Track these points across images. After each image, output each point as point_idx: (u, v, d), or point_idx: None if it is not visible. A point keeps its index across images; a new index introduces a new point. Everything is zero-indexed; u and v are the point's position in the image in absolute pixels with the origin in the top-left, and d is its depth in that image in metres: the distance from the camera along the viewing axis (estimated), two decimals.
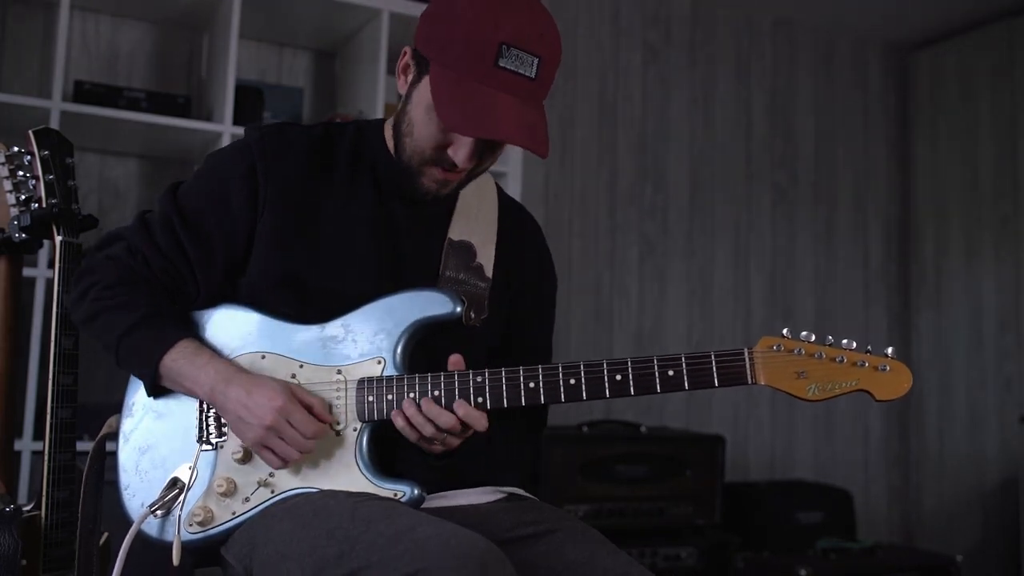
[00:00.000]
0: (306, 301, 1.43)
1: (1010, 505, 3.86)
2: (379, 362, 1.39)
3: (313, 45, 3.38)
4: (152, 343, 1.39)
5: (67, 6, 2.73)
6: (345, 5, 3.01)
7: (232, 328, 1.44)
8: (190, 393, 1.40)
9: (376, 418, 1.37)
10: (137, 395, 1.48)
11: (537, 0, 1.38)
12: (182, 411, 1.44)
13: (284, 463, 1.35)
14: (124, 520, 1.44)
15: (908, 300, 4.47)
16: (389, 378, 1.38)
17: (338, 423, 1.39)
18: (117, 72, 3.11)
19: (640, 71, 3.97)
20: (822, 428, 4.22)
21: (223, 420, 1.41)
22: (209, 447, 1.41)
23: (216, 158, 1.50)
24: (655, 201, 3.95)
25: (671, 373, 1.32)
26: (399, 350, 1.39)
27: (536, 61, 1.33)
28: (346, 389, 1.39)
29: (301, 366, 1.41)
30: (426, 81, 1.36)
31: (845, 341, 1.31)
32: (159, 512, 1.40)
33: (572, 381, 1.34)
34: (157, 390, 1.43)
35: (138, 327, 1.39)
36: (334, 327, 1.41)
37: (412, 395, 1.35)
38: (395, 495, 1.34)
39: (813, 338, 1.30)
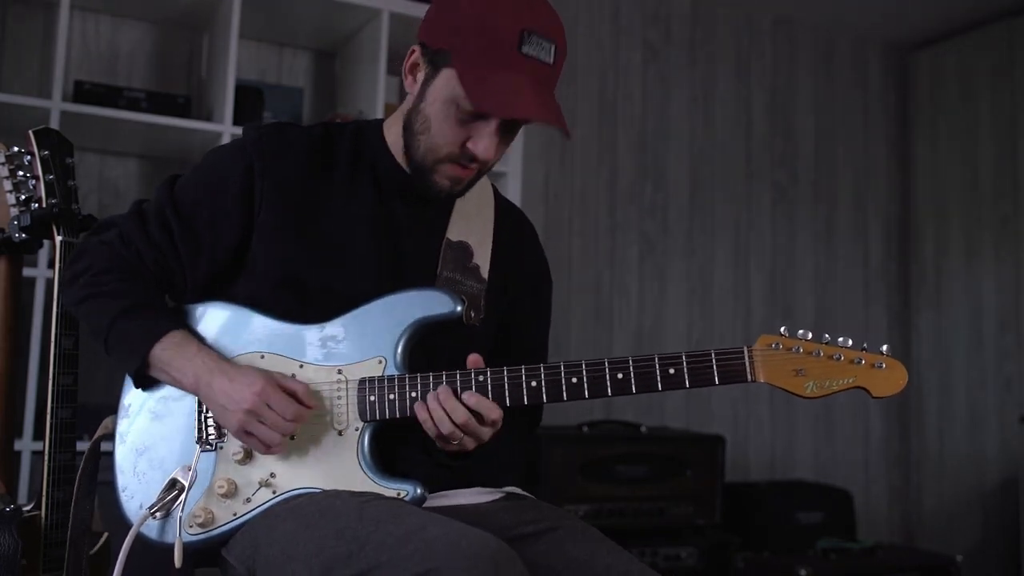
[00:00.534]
0: (306, 301, 1.43)
1: (1010, 505, 3.86)
2: (380, 362, 1.39)
3: (313, 45, 3.38)
4: (142, 332, 1.39)
5: (67, 6, 2.73)
6: (345, 5, 3.01)
7: (231, 328, 1.44)
8: (176, 384, 1.40)
9: (378, 418, 1.37)
10: (132, 396, 1.47)
11: None
12: (180, 411, 1.44)
13: (268, 448, 1.35)
14: (123, 522, 1.43)
15: (908, 300, 4.47)
16: (390, 378, 1.38)
17: (339, 423, 1.39)
18: (117, 72, 3.11)
19: (640, 70, 3.97)
20: (822, 428, 4.22)
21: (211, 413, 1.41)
22: (209, 448, 1.41)
23: (215, 155, 1.51)
24: (655, 200, 3.95)
25: (672, 371, 1.33)
26: (400, 350, 1.39)
27: (553, 47, 1.36)
28: (347, 389, 1.39)
29: (301, 366, 1.41)
30: (444, 75, 1.37)
31: (842, 339, 1.34)
32: (158, 514, 1.40)
33: (574, 380, 1.35)
34: (143, 380, 1.43)
35: (129, 315, 1.39)
36: (334, 327, 1.41)
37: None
38: (398, 494, 1.34)
39: (810, 336, 1.33)
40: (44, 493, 1.62)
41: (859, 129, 4.47)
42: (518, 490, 1.56)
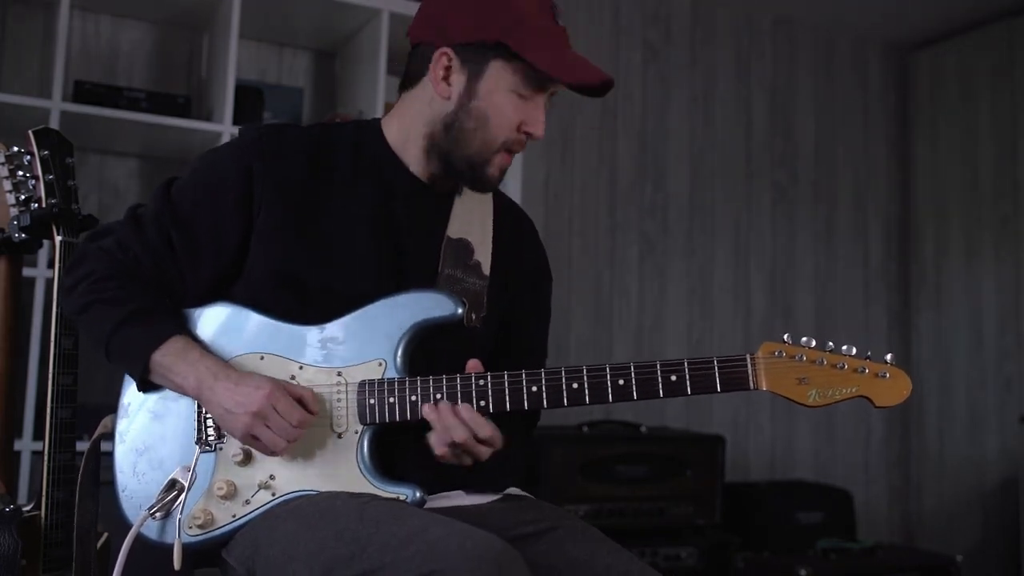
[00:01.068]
0: (306, 302, 1.42)
1: (1010, 505, 3.86)
2: (380, 364, 1.39)
3: (313, 45, 3.37)
4: (144, 338, 1.38)
5: (67, 6, 2.73)
6: (345, 5, 3.01)
7: (231, 328, 1.44)
8: (178, 389, 1.39)
9: (377, 421, 1.37)
10: (132, 395, 1.46)
11: None
12: (179, 412, 1.43)
13: (272, 452, 1.35)
14: (122, 522, 1.43)
15: (908, 300, 4.47)
16: (390, 381, 1.37)
17: (338, 426, 1.39)
18: (117, 72, 3.10)
19: (640, 70, 3.97)
20: (822, 428, 4.22)
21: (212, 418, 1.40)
22: (208, 449, 1.41)
23: (212, 156, 1.50)
24: (655, 200, 3.95)
25: (674, 378, 1.33)
26: (400, 352, 1.39)
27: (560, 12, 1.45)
28: (347, 391, 1.39)
29: (301, 367, 1.40)
30: (494, 67, 1.41)
31: (845, 347, 1.33)
32: (158, 514, 1.40)
33: (575, 385, 1.35)
34: (146, 385, 1.42)
35: (129, 321, 1.38)
36: (334, 328, 1.41)
37: (439, 396, 1.35)
38: (398, 497, 1.34)
39: (814, 344, 1.33)
40: (44, 493, 1.62)
41: (859, 129, 4.47)
42: (518, 490, 1.56)
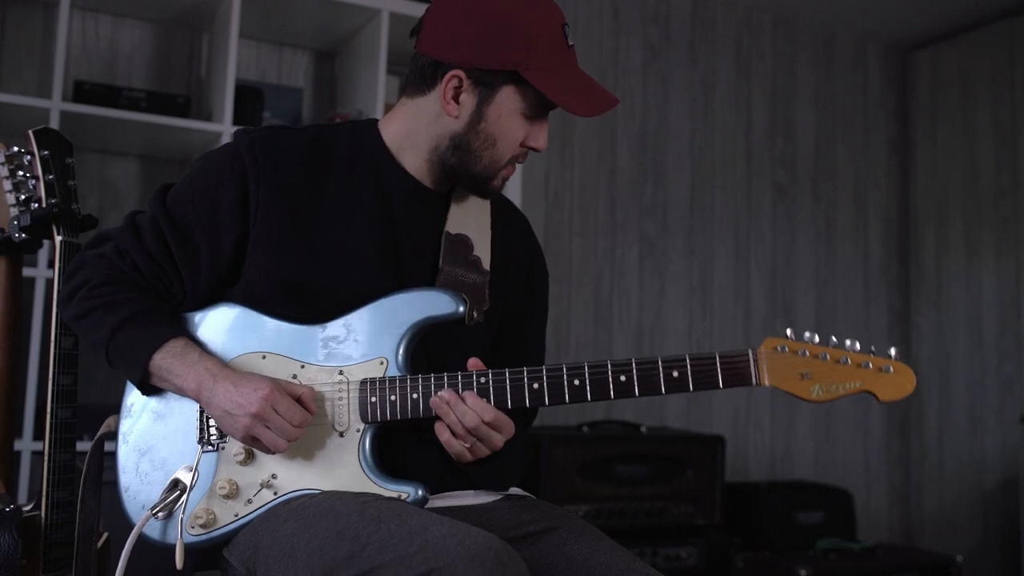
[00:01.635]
0: (306, 302, 1.42)
1: (1010, 505, 3.86)
2: (381, 363, 1.39)
3: (313, 45, 3.37)
4: (142, 341, 1.38)
5: (67, 6, 2.73)
6: (345, 5, 3.01)
7: (231, 328, 1.44)
8: (178, 391, 1.40)
9: (379, 419, 1.37)
10: (135, 396, 1.47)
11: None
12: (182, 412, 1.44)
13: (272, 453, 1.35)
14: (125, 521, 1.43)
15: (908, 300, 4.47)
16: (392, 379, 1.38)
17: (340, 424, 1.38)
18: (117, 72, 3.10)
19: (640, 69, 3.97)
20: (822, 428, 4.22)
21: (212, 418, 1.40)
22: (211, 448, 1.41)
23: (207, 161, 1.50)
24: (655, 199, 3.95)
25: (676, 374, 1.33)
26: (401, 351, 1.39)
27: (570, 28, 1.47)
28: (348, 390, 1.39)
29: (302, 366, 1.40)
30: (505, 92, 1.42)
31: (848, 342, 1.32)
32: (160, 514, 1.40)
33: (576, 382, 1.35)
34: (147, 388, 1.43)
35: (128, 325, 1.39)
36: (335, 327, 1.41)
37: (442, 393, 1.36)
38: (399, 496, 1.34)
39: (817, 339, 1.32)
40: (44, 493, 1.61)
41: (859, 129, 4.47)
42: (519, 490, 1.56)
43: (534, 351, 1.64)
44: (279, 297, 1.43)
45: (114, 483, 1.46)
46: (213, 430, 1.41)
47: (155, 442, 1.44)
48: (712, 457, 3.28)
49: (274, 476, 1.38)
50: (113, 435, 1.49)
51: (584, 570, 1.31)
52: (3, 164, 1.68)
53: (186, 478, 1.40)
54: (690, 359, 1.32)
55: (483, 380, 1.36)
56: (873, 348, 1.32)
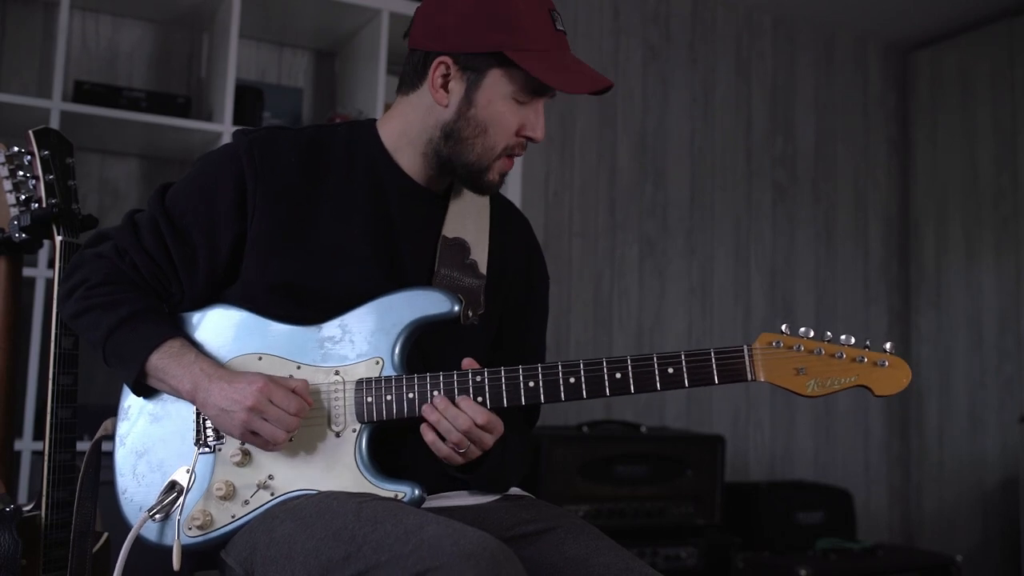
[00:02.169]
0: (303, 303, 1.43)
1: (1010, 505, 3.86)
2: (377, 362, 1.39)
3: (313, 45, 3.38)
4: (140, 341, 1.38)
5: (67, 6, 2.73)
6: (345, 5, 3.01)
7: (228, 329, 1.44)
8: (174, 392, 1.40)
9: (375, 419, 1.37)
10: (131, 398, 1.47)
11: None
12: (178, 414, 1.44)
13: (272, 445, 1.35)
14: (123, 524, 1.43)
15: (908, 300, 4.47)
16: (388, 379, 1.38)
17: (336, 424, 1.39)
18: (117, 72, 3.11)
19: (640, 69, 3.97)
20: (822, 428, 4.22)
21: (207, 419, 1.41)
22: (207, 450, 1.41)
23: (205, 162, 1.50)
24: (655, 199, 3.95)
25: (671, 371, 1.32)
26: (397, 350, 1.39)
27: (560, 16, 1.45)
28: (344, 390, 1.39)
29: (298, 367, 1.41)
30: (492, 76, 1.41)
31: (843, 337, 1.32)
32: (158, 516, 1.40)
33: (572, 380, 1.35)
34: (142, 389, 1.43)
35: (125, 325, 1.39)
36: (331, 327, 1.41)
37: (436, 393, 1.36)
38: (396, 496, 1.34)
39: (812, 334, 1.32)
40: (44, 493, 1.62)
41: (859, 129, 4.47)
42: (517, 490, 1.56)
43: (534, 350, 1.63)
44: (276, 298, 1.43)
45: (112, 485, 1.46)
46: (210, 432, 1.41)
47: (152, 444, 1.44)
48: (712, 457, 3.28)
49: (271, 477, 1.39)
50: (111, 438, 1.50)
51: (583, 570, 1.31)
52: (3, 164, 1.69)
53: (183, 480, 1.40)
54: (685, 355, 1.32)
55: (479, 379, 1.36)
56: (868, 343, 1.32)
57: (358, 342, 1.40)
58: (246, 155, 1.45)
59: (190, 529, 1.39)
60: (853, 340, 1.32)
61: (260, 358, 1.41)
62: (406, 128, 1.49)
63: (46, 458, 1.62)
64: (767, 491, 3.53)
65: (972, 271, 4.19)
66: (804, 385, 1.31)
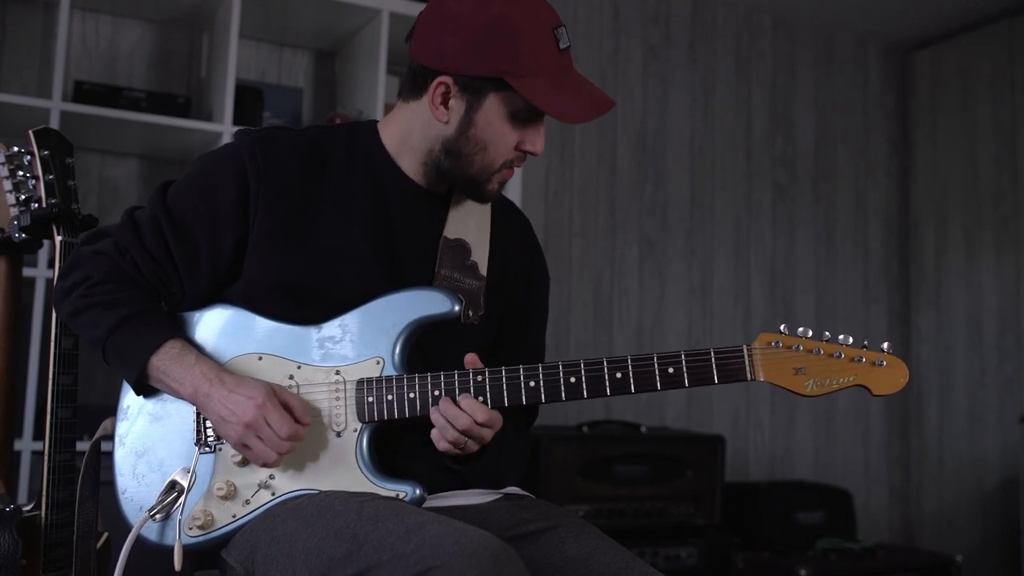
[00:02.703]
0: (303, 303, 1.43)
1: (1010, 505, 3.86)
2: (378, 362, 1.39)
3: (313, 45, 3.38)
4: (141, 342, 1.38)
5: (67, 6, 2.73)
6: (345, 5, 3.01)
7: (228, 329, 1.44)
8: (174, 393, 1.40)
9: (376, 419, 1.37)
10: (131, 398, 1.47)
11: None
12: (178, 414, 1.44)
13: (263, 464, 1.35)
14: (123, 524, 1.43)
15: (908, 300, 4.47)
16: (388, 378, 1.38)
17: (337, 424, 1.39)
18: (117, 72, 3.11)
19: (640, 69, 3.97)
20: (822, 428, 4.22)
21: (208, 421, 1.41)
22: (208, 450, 1.41)
23: (206, 161, 1.50)
24: (655, 199, 3.95)
25: (671, 370, 1.33)
26: (398, 350, 1.39)
27: (565, 29, 1.43)
28: (345, 390, 1.39)
29: (299, 367, 1.41)
30: (492, 99, 1.40)
31: (842, 337, 1.33)
32: (158, 516, 1.40)
33: (572, 379, 1.35)
34: (143, 389, 1.43)
35: (127, 325, 1.39)
36: (332, 327, 1.41)
37: (437, 393, 1.36)
38: (397, 495, 1.34)
39: (810, 334, 1.33)
40: (44, 493, 1.62)
41: (859, 129, 4.47)
42: (517, 490, 1.56)
43: (534, 348, 1.64)
44: (276, 297, 1.43)
45: (111, 485, 1.46)
46: (210, 432, 1.41)
47: (152, 444, 1.44)
48: (712, 457, 3.28)
49: (272, 477, 1.39)
50: (110, 438, 1.49)
51: (583, 569, 1.31)
52: (3, 164, 1.69)
53: (183, 480, 1.40)
54: (685, 355, 1.33)
55: (479, 379, 1.36)
56: (866, 342, 1.33)
57: (359, 342, 1.40)
58: (248, 154, 1.45)
59: (191, 529, 1.39)
60: (851, 340, 1.33)
61: (260, 358, 1.41)
62: (407, 135, 1.49)
63: (46, 458, 1.62)
64: (767, 491, 3.53)
65: (972, 271, 4.19)
66: (803, 385, 1.32)
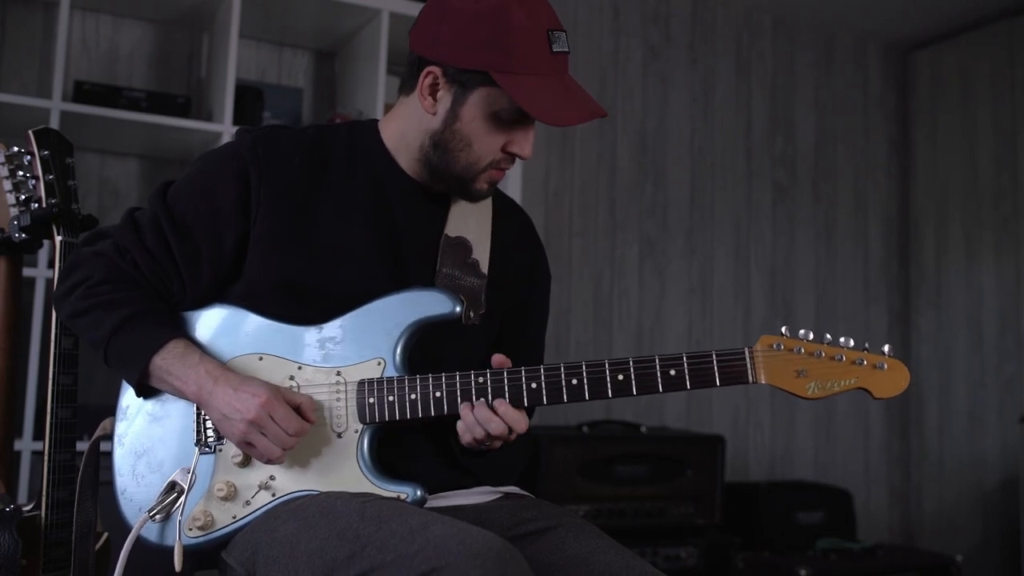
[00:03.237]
0: (304, 303, 1.42)
1: (1010, 505, 3.86)
2: (379, 363, 1.39)
3: (313, 45, 3.38)
4: (143, 342, 1.38)
5: (67, 6, 2.73)
6: (345, 5, 3.01)
7: (229, 329, 1.44)
8: (177, 393, 1.39)
9: (377, 420, 1.37)
10: (130, 398, 1.46)
11: None
12: (178, 414, 1.43)
13: (268, 461, 1.35)
14: (122, 524, 1.43)
15: (908, 300, 4.47)
16: (389, 379, 1.38)
17: (338, 425, 1.38)
18: (117, 72, 3.10)
19: (640, 70, 3.97)
20: (822, 428, 4.22)
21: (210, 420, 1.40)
22: (208, 450, 1.41)
23: (207, 160, 1.50)
24: (655, 199, 3.95)
25: (673, 373, 1.33)
26: (399, 351, 1.39)
27: (565, 34, 1.41)
28: (346, 391, 1.39)
29: (299, 367, 1.40)
30: (478, 94, 1.39)
31: (843, 339, 1.33)
32: (158, 516, 1.39)
33: (574, 381, 1.35)
34: (144, 389, 1.42)
35: (129, 325, 1.38)
36: (333, 328, 1.41)
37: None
38: (399, 496, 1.34)
39: (812, 336, 1.33)
40: (44, 493, 1.62)
41: (859, 129, 4.47)
42: (518, 489, 1.56)
43: (533, 346, 1.64)
44: (277, 296, 1.43)
45: (111, 485, 1.46)
46: (210, 432, 1.41)
47: (151, 444, 1.44)
48: (712, 457, 3.28)
49: (272, 478, 1.38)
50: (109, 437, 1.49)
51: (583, 568, 1.31)
52: (3, 164, 1.69)
53: (183, 480, 1.40)
54: (687, 358, 1.33)
55: (481, 380, 1.36)
56: (867, 345, 1.33)
57: (359, 343, 1.40)
58: (249, 152, 1.45)
59: (191, 529, 1.39)
60: (853, 342, 1.33)
61: (261, 358, 1.41)
62: (404, 131, 1.49)
63: (46, 458, 1.62)
64: (767, 491, 3.53)
65: (972, 271, 4.19)
66: (804, 387, 1.32)
